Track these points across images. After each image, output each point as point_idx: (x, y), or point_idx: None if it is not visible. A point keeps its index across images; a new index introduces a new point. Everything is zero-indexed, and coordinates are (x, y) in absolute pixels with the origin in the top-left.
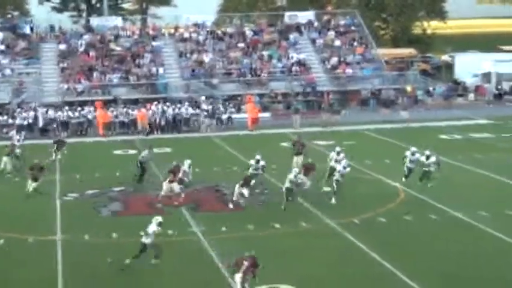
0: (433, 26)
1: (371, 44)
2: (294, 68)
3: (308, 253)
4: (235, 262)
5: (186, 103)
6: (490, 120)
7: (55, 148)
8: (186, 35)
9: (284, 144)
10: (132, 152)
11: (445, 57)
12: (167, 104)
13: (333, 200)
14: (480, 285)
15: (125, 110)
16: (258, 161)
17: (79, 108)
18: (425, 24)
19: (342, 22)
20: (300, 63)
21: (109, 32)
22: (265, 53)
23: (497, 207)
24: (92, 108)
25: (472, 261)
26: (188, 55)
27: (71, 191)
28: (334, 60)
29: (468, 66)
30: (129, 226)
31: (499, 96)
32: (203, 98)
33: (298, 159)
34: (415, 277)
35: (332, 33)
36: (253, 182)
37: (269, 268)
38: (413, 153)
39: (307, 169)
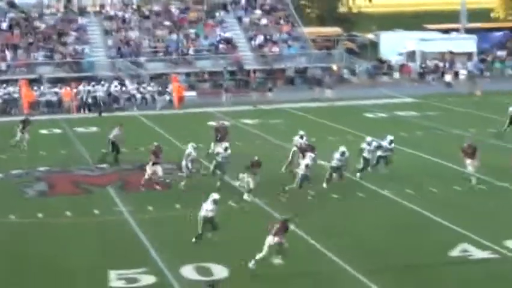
0: (358, 5)
1: (297, 22)
2: (220, 47)
3: (236, 231)
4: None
5: (115, 82)
6: (415, 99)
7: (21, 127)
8: (112, 12)
9: (211, 123)
10: (58, 131)
11: (370, 36)
12: (93, 83)
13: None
14: (399, 256)
15: (51, 89)
16: (226, 149)
17: (3, 86)
18: (351, 2)
19: (268, 1)
20: (226, 41)
21: (33, 9)
22: (191, 31)
23: (422, 184)
24: (17, 88)
25: (395, 234)
26: (114, 33)
27: None
28: (260, 38)
29: (393, 45)
30: (55, 206)
31: (423, 74)
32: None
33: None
34: (341, 252)
35: (258, 12)
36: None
37: (197, 247)
38: (369, 143)
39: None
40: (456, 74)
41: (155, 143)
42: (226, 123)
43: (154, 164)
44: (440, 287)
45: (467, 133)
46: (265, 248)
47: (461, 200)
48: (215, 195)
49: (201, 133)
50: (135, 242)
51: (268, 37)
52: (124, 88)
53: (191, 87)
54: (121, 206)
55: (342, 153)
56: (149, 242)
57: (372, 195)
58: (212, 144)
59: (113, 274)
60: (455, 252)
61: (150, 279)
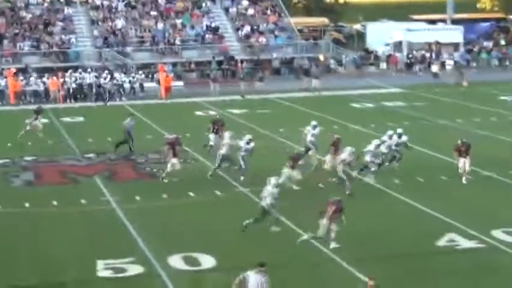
0: None
1: (284, 12)
2: (207, 37)
3: (223, 221)
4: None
5: (106, 71)
6: (402, 89)
7: (34, 117)
8: (98, 2)
9: (198, 113)
10: (44, 120)
11: (357, 27)
12: (80, 70)
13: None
14: (387, 245)
15: (37, 79)
16: (249, 141)
17: None
18: None
19: None
20: (213, 31)
21: None
22: (178, 21)
23: (409, 175)
24: (3, 79)
25: (382, 224)
26: (100, 23)
27: None
28: (247, 28)
29: (379, 36)
30: (42, 196)
31: (410, 65)
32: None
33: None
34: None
35: (245, 2)
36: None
37: (184, 237)
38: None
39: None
40: (443, 64)
41: (174, 135)
42: (213, 112)
43: (173, 156)
44: (427, 276)
45: (453, 123)
46: (322, 230)
47: (448, 190)
48: (273, 180)
49: (189, 123)
50: (122, 231)
51: (255, 27)
52: (113, 79)
53: (178, 77)
54: (108, 195)
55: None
56: (137, 232)
57: (360, 185)
58: (211, 136)
59: (100, 264)
60: (442, 242)
61: (137, 268)
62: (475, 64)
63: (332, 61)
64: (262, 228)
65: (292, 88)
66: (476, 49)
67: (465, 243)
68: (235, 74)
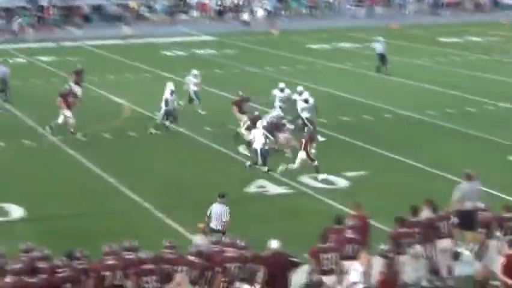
0: None
1: None
2: None
3: (32, 170)
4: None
5: None
6: (213, 37)
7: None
8: None
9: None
10: None
11: None
12: None
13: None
14: (196, 192)
15: None
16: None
17: None
18: None
19: None
20: None
21: None
22: None
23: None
24: None
25: (193, 171)
26: None
27: None
28: None
29: None
30: None
31: (222, 13)
32: None
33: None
34: (138, 189)
35: None
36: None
37: None
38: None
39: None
40: (252, 12)
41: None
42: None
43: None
44: (237, 223)
45: (262, 71)
46: (298, 162)
47: None
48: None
49: None
50: None
51: None
52: None
53: None
54: None
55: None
56: None
57: (170, 133)
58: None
59: None
60: (252, 188)
61: None
62: (284, 12)
63: (143, 8)
64: (71, 179)
65: (103, 35)
66: None
67: (274, 189)
68: (45, 21)
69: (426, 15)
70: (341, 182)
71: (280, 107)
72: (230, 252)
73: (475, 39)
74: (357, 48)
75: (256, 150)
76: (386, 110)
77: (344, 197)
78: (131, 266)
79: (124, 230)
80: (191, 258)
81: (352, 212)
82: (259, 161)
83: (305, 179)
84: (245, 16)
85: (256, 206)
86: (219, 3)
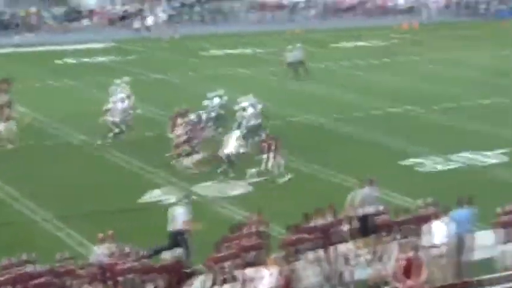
0: None
1: None
2: None
3: None
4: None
5: None
6: (114, 43)
7: None
8: None
9: None
10: None
11: None
12: None
13: None
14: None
15: None
16: None
17: None
18: None
19: None
20: None
21: None
22: None
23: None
24: None
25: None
26: None
27: None
28: None
29: None
30: None
31: (123, 18)
32: None
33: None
34: (38, 199)
35: None
36: None
37: None
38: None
39: None
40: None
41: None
42: None
43: None
44: (135, 233)
45: (166, 77)
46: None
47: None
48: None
49: None
50: None
51: None
52: None
53: None
54: None
55: None
56: None
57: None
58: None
59: None
60: (147, 198)
61: None
62: (186, 17)
63: (35, 16)
64: None
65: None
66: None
67: (168, 200)
68: None
69: (326, 19)
70: (245, 188)
71: (221, 114)
72: (128, 262)
73: (375, 42)
74: (259, 53)
75: (227, 155)
76: (292, 114)
77: (245, 203)
78: (20, 282)
79: (20, 242)
80: (88, 270)
81: (253, 218)
82: (227, 165)
83: (198, 188)
84: (149, 21)
85: (151, 216)
86: (116, 9)
